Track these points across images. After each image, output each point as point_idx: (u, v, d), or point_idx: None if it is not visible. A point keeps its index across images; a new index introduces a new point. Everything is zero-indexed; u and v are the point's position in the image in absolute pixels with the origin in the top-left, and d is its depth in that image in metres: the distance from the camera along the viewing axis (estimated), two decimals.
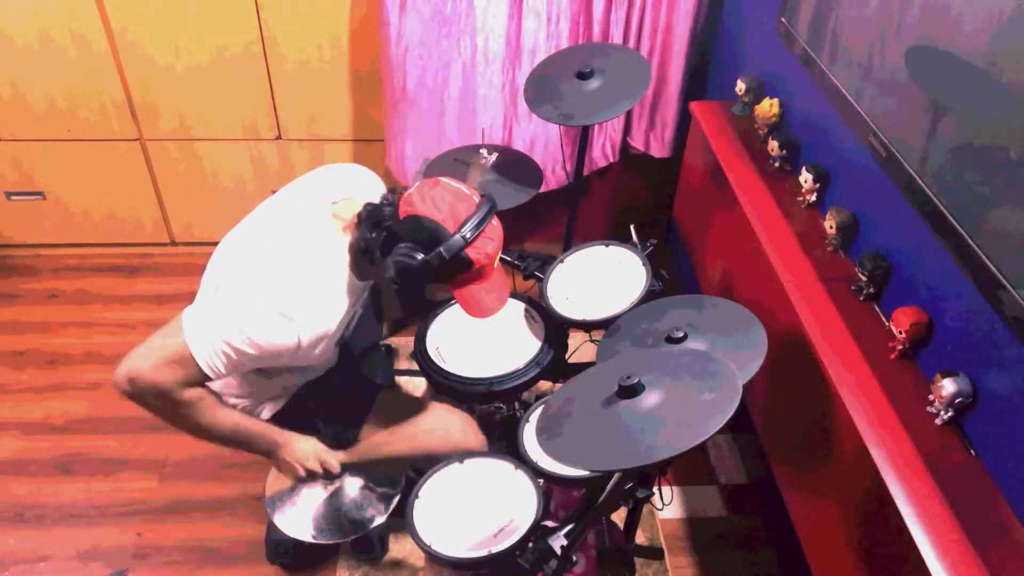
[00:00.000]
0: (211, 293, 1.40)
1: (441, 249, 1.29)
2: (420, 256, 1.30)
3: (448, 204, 1.31)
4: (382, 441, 1.65)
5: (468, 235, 1.30)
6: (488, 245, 1.34)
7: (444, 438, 1.66)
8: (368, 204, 1.38)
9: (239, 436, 1.47)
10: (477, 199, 1.35)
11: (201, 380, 1.34)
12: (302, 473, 1.56)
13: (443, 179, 1.37)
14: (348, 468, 1.63)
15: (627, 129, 2.64)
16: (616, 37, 2.40)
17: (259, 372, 1.50)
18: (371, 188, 1.53)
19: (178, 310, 1.34)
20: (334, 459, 1.57)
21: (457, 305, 1.85)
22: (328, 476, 1.59)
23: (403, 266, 1.30)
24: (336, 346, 1.51)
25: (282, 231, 1.41)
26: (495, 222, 1.37)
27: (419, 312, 1.87)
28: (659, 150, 2.62)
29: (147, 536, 2.04)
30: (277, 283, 1.33)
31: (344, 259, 1.40)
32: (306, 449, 1.55)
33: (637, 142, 2.64)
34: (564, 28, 2.33)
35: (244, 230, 1.45)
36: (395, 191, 1.40)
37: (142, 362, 1.30)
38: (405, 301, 1.57)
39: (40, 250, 2.94)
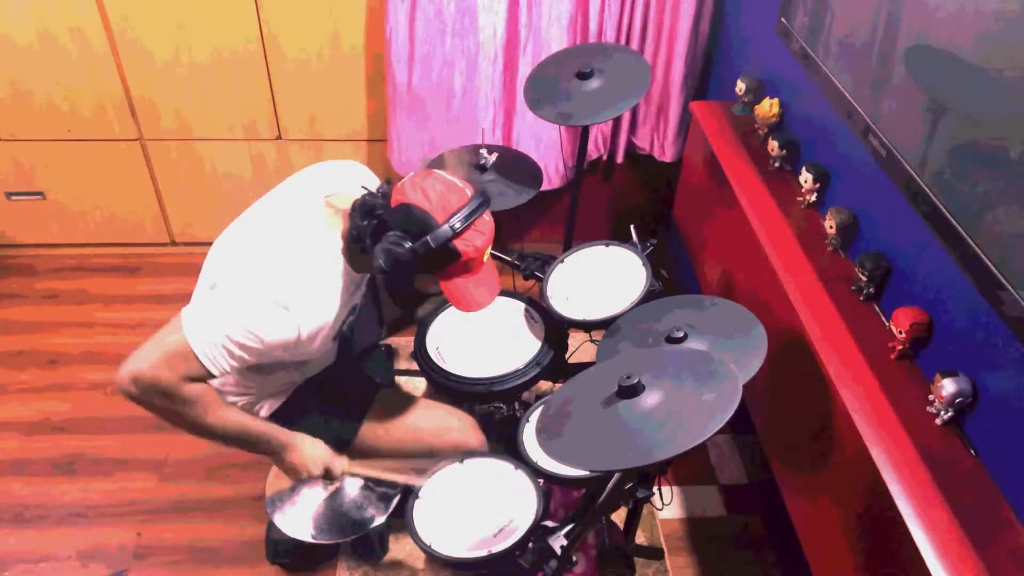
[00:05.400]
0: (207, 290, 1.40)
1: (428, 238, 1.29)
2: (408, 244, 1.30)
3: (439, 194, 1.31)
4: (382, 441, 1.65)
5: (457, 226, 1.30)
6: (477, 238, 1.34)
7: (444, 438, 1.66)
8: (362, 194, 1.38)
9: (245, 436, 1.47)
10: (470, 192, 1.35)
11: (204, 377, 1.34)
12: (304, 476, 1.56)
13: (437, 170, 1.37)
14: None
15: (632, 130, 2.65)
16: (617, 37, 2.40)
17: (259, 369, 1.50)
18: (364, 182, 1.53)
19: (178, 310, 1.34)
20: (338, 466, 1.58)
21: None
22: (328, 477, 1.60)
23: (390, 254, 1.30)
24: (335, 340, 1.51)
25: (276, 225, 1.41)
26: (487, 217, 1.37)
27: (410, 306, 1.86)
28: (661, 153, 2.62)
29: (147, 536, 2.04)
30: (273, 274, 1.33)
31: (338, 249, 1.40)
32: (313, 454, 1.55)
33: (643, 142, 2.64)
34: (564, 28, 2.34)
35: (238, 227, 1.45)
36: (389, 181, 1.40)
37: (144, 362, 1.29)
38: (395, 293, 1.56)
39: (40, 250, 2.94)
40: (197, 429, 1.41)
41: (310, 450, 1.54)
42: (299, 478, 1.57)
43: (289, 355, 1.42)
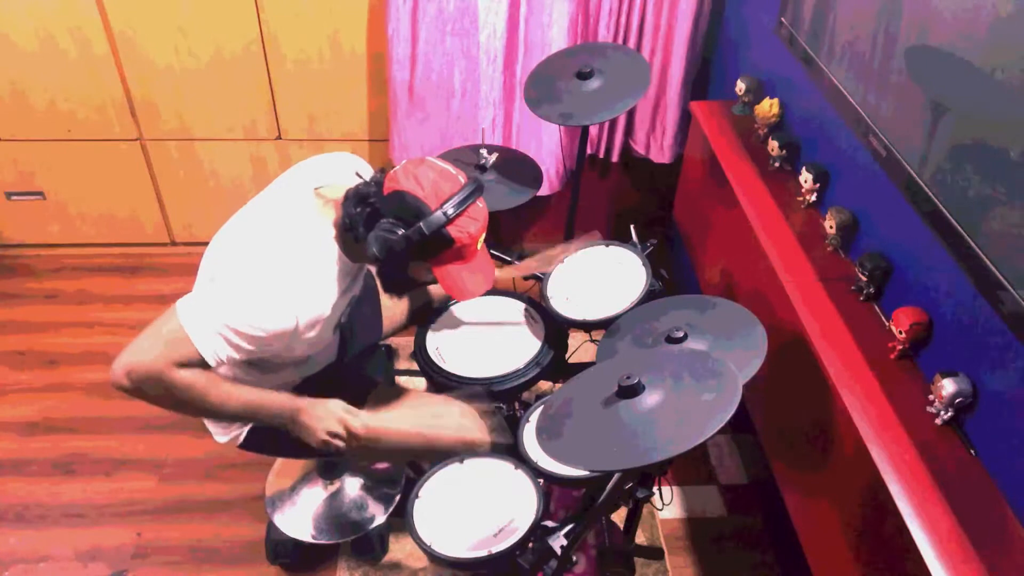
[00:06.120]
0: (206, 284, 1.41)
1: (421, 224, 1.30)
2: (401, 231, 1.30)
3: (431, 181, 1.32)
4: (397, 417, 1.62)
5: (450, 212, 1.31)
6: (471, 224, 1.34)
7: (456, 429, 1.63)
8: (355, 182, 1.38)
9: (252, 409, 1.44)
10: (463, 179, 1.36)
11: (199, 365, 1.33)
12: (323, 436, 1.46)
13: (429, 158, 1.38)
14: (360, 455, 1.52)
15: (629, 131, 2.64)
16: (616, 38, 2.40)
17: (258, 367, 1.49)
18: (356, 171, 1.53)
19: None
20: (357, 421, 1.48)
21: (457, 305, 1.85)
22: (348, 441, 1.49)
23: (384, 241, 1.30)
24: (335, 332, 1.50)
25: (270, 217, 1.42)
26: (480, 204, 1.38)
27: (402, 294, 1.84)
28: (659, 154, 2.62)
29: (147, 536, 2.04)
30: (269, 264, 1.33)
31: (331, 237, 1.40)
32: (328, 410, 1.47)
33: (639, 145, 2.64)
34: (564, 28, 2.34)
35: (234, 224, 1.46)
36: (383, 170, 1.40)
37: (137, 354, 1.29)
38: (388, 281, 1.54)
39: (40, 250, 2.94)
40: (201, 411, 1.40)
41: (323, 406, 1.48)
42: (318, 439, 1.48)
43: (288, 347, 1.41)
